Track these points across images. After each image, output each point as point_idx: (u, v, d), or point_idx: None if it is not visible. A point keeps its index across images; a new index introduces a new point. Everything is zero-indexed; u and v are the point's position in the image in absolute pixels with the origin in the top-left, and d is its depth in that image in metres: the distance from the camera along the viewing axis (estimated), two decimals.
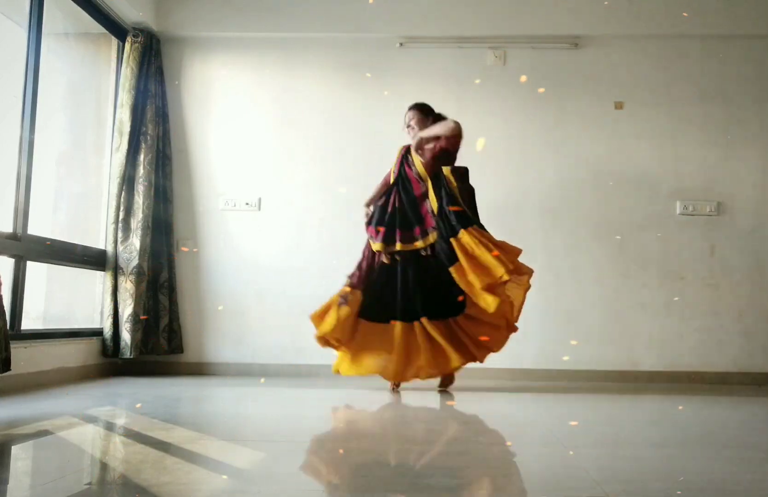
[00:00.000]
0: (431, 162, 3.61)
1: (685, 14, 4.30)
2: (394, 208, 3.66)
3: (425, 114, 3.73)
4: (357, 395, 3.40)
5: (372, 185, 3.75)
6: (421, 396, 3.42)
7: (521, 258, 3.50)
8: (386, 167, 3.83)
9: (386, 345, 3.49)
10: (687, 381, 4.21)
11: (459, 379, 3.71)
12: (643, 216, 4.36)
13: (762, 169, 4.37)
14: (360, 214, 3.85)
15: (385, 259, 3.61)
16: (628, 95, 4.44)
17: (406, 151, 3.76)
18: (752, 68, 4.40)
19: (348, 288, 3.62)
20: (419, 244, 3.58)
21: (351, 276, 3.67)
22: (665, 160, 4.39)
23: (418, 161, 3.66)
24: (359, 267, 3.69)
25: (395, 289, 3.55)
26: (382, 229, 3.62)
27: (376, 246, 3.62)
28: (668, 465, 1.89)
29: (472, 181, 3.71)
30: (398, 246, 3.57)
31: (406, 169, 3.71)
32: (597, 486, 1.59)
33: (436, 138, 3.58)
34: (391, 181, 3.73)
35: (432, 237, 3.56)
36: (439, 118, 3.71)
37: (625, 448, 2.11)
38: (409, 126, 3.75)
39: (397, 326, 3.49)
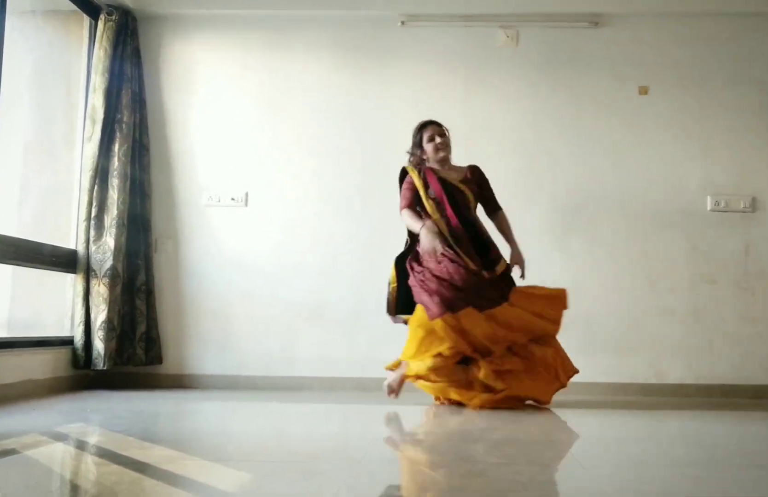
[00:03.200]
0: None
1: None
2: None
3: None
4: (352, 410, 3.40)
5: (370, 176, 3.72)
6: (421, 410, 3.43)
7: None
8: (384, 157, 3.84)
9: None
10: (718, 396, 4.21)
11: None
12: (670, 212, 4.37)
13: None
14: (358, 210, 3.85)
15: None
16: (653, 79, 4.44)
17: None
18: None
19: None
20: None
21: None
22: (694, 151, 4.39)
23: None
24: None
25: None
26: None
27: None
28: (696, 488, 1.89)
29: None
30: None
31: None
32: None
33: None
34: None
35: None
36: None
37: (648, 468, 2.11)
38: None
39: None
